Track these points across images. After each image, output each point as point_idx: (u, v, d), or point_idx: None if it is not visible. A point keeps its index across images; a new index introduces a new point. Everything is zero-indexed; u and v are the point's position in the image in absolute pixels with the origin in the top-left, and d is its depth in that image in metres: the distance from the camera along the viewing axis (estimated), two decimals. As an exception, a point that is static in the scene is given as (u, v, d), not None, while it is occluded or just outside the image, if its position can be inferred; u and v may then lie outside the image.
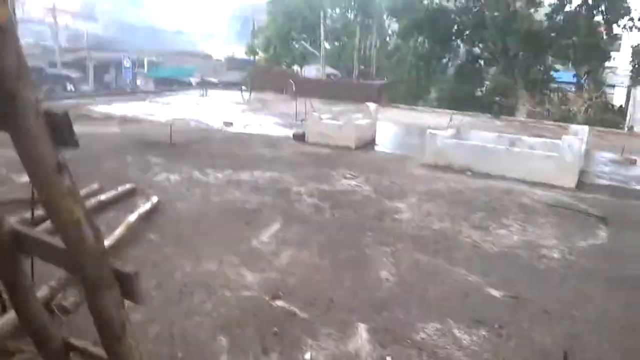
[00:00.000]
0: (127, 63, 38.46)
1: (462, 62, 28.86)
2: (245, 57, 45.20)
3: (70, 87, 42.28)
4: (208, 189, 8.27)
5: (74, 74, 44.56)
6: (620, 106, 28.18)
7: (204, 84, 32.00)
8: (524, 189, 9.23)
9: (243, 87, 24.76)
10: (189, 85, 34.97)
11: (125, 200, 7.21)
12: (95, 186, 7.32)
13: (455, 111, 19.11)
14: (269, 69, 33.17)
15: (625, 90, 28.72)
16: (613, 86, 29.61)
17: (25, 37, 47.00)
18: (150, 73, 46.92)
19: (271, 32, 40.35)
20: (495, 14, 24.21)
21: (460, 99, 25.90)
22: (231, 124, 15.49)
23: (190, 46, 56.61)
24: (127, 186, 7.56)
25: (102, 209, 6.67)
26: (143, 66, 46.92)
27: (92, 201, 6.62)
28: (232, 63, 44.97)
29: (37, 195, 1.98)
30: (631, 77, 24.20)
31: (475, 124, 17.34)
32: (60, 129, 1.93)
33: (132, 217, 6.12)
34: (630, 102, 26.41)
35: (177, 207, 7.24)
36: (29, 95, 1.80)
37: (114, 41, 50.57)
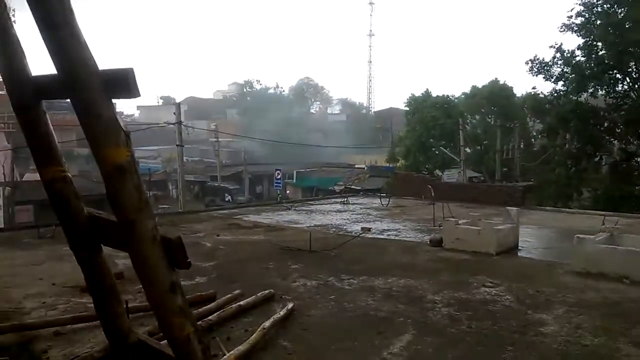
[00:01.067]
0: (278, 175, 41.62)
1: (616, 160, 26.83)
2: (386, 165, 46.60)
3: (228, 197, 46.68)
4: (342, 295, 8.37)
5: (232, 186, 49.33)
6: None
7: (347, 192, 33.24)
8: (696, 301, 8.01)
9: (382, 194, 25.22)
10: (332, 194, 36.51)
11: (263, 305, 7.56)
12: (237, 292, 7.81)
13: (609, 213, 17.47)
14: (408, 175, 33.59)
15: None
16: None
17: (193, 156, 53.55)
18: (298, 183, 50.16)
19: (410, 141, 41.45)
20: None
21: (616, 200, 23.68)
22: (369, 229, 15.74)
23: (335, 158, 59.95)
24: (266, 292, 7.94)
25: (241, 313, 7.06)
26: (292, 177, 50.43)
27: (233, 307, 7.06)
28: (374, 171, 46.43)
29: (153, 311, 2.23)
30: None
31: (633, 226, 15.68)
32: (175, 253, 2.21)
33: (267, 323, 6.38)
34: None
35: (311, 314, 7.40)
36: (147, 224, 2.12)
37: (268, 156, 55.49)
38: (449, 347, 6.24)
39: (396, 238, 14.54)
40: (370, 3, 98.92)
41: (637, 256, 9.40)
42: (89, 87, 2.12)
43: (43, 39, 2.17)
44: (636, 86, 27.21)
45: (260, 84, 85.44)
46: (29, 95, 2.64)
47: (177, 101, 34.73)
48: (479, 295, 8.45)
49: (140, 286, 7.64)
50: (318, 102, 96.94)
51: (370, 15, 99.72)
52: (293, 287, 8.81)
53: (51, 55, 2.19)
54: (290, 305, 7.40)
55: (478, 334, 6.67)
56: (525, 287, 8.94)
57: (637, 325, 6.91)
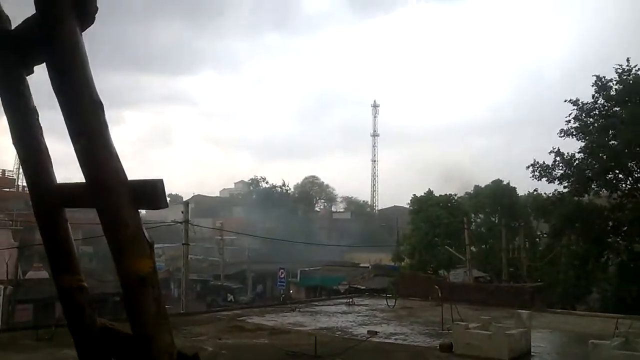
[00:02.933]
0: (281, 274, 41.17)
1: (623, 259, 26.53)
2: (391, 263, 46.05)
3: (230, 297, 45.71)
4: (349, 405, 7.98)
5: (234, 285, 48.49)
6: None
7: (351, 292, 32.60)
8: None
9: (388, 294, 24.72)
10: (337, 293, 35.84)
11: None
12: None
13: (621, 315, 16.96)
14: (414, 275, 33.15)
15: None
16: None
17: (197, 254, 53.17)
18: (302, 282, 49.32)
19: (415, 240, 41.33)
20: None
21: (626, 301, 23.14)
22: (376, 333, 15.28)
23: (339, 256, 59.43)
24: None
25: None
26: (296, 276, 49.72)
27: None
28: (379, 270, 45.80)
29: None
30: None
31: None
32: None
33: None
34: None
35: None
36: (164, 339, 2.07)
37: (272, 254, 55.07)
38: None
39: (404, 342, 14.10)
40: (375, 106, 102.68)
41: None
42: (118, 198, 2.18)
43: (75, 148, 2.27)
44: (639, 185, 27.50)
45: (266, 182, 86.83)
46: (54, 202, 2.70)
47: (184, 199, 35.21)
48: (495, 406, 8.04)
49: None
50: (323, 200, 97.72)
51: (375, 116, 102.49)
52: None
53: (81, 164, 2.28)
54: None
55: None
56: (542, 397, 8.53)
57: None
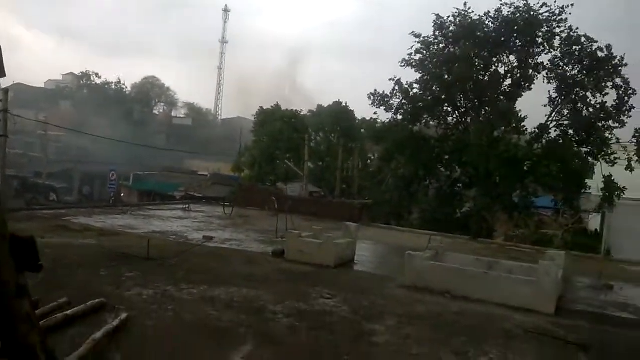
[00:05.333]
0: (112, 176, 38.94)
1: (442, 185, 29.78)
2: (231, 174, 46.22)
3: (53, 197, 42.49)
4: (181, 305, 8.03)
5: (58, 184, 45.02)
6: (596, 230, 28.78)
7: (188, 199, 32.32)
8: (503, 314, 9.10)
9: (226, 203, 24.94)
10: (172, 199, 35.26)
11: (94, 315, 6.95)
12: (63, 300, 7.07)
13: (435, 232, 19.36)
14: (253, 186, 33.79)
15: (599, 216, 29.38)
16: (588, 212, 30.33)
17: (15, 149, 47.96)
18: (135, 186, 47.51)
19: (257, 152, 41.79)
20: (482, 139, 25.33)
21: (440, 221, 26.27)
22: (211, 238, 15.41)
23: (177, 162, 57.94)
24: (96, 301, 7.32)
25: (68, 324, 6.40)
26: (129, 179, 47.60)
27: (59, 316, 6.38)
28: (218, 179, 45.75)
29: None
30: (601, 205, 24.62)
31: (454, 245, 17.48)
32: (26, 254, 1.92)
33: (98, 335, 5.86)
34: (605, 228, 26.95)
35: (147, 324, 6.98)
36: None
37: (104, 155, 51.74)
38: (288, 356, 6.34)
39: (239, 248, 14.44)
40: (226, 10, 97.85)
41: (456, 273, 10.45)
42: None
43: None
44: (463, 119, 30.46)
45: (100, 78, 79.70)
46: None
47: (3, 87, 30.92)
48: (318, 307, 8.69)
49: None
50: (162, 104, 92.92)
51: (225, 21, 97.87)
52: (127, 297, 8.23)
53: None
54: (123, 316, 6.90)
55: (316, 344, 6.84)
56: (360, 299, 9.41)
57: (457, 335, 7.64)
